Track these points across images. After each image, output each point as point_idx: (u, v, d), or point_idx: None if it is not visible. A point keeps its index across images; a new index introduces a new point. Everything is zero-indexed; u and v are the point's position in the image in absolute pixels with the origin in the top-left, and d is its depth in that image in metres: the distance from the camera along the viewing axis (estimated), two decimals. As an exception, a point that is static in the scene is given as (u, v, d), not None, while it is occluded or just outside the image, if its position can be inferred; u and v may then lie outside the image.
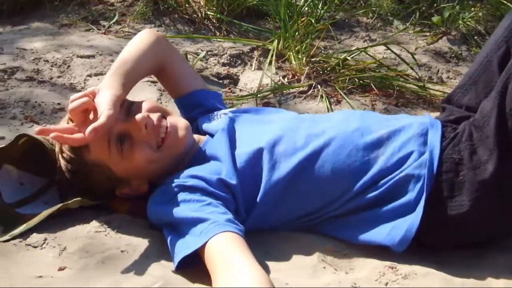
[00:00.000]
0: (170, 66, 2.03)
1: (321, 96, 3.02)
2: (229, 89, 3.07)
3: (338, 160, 1.72)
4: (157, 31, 2.85)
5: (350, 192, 1.71)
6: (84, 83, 2.99)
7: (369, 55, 3.40)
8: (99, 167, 1.73)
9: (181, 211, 1.62)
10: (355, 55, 3.38)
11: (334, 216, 1.73)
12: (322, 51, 3.45)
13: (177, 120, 1.79)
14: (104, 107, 1.62)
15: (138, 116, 1.71)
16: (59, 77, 3.03)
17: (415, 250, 1.69)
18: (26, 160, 1.87)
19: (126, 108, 1.75)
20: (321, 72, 3.24)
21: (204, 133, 1.90)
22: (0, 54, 3.20)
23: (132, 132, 1.71)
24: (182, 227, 1.60)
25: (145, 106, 1.77)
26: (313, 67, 3.23)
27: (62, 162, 1.78)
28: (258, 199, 1.70)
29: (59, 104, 2.75)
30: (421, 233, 1.64)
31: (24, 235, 1.70)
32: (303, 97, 3.05)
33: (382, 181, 1.70)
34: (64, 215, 1.77)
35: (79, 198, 1.76)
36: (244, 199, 1.69)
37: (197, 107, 2.02)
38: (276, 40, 3.35)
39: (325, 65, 3.29)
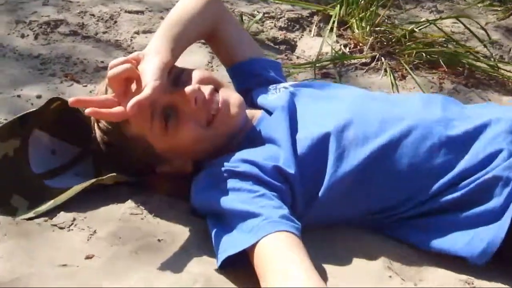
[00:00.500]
0: (223, 30, 1.78)
1: (385, 70, 2.76)
2: (286, 55, 2.82)
3: (417, 155, 1.45)
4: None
5: (426, 192, 1.44)
6: (131, 40, 2.77)
7: (438, 27, 3.11)
8: (138, 142, 1.50)
9: (229, 201, 1.38)
10: (423, 27, 3.09)
11: (405, 218, 1.47)
12: (386, 20, 3.16)
13: (230, 95, 1.54)
14: (150, 76, 1.38)
15: (188, 89, 1.47)
16: (104, 33, 2.81)
17: (496, 264, 1.42)
18: (59, 126, 1.65)
19: (174, 77, 1.51)
20: (385, 43, 2.97)
21: (259, 107, 1.65)
22: (45, 5, 2.99)
23: (179, 106, 1.48)
24: (229, 220, 1.36)
25: (196, 76, 1.53)
26: (377, 37, 2.96)
27: (98, 133, 1.56)
28: (320, 193, 1.45)
29: (102, 62, 2.54)
30: (506, 246, 1.38)
31: (51, 213, 1.48)
32: (365, 70, 2.79)
33: (464, 182, 1.43)
34: (97, 192, 1.55)
35: (114, 174, 1.54)
36: (303, 191, 1.45)
37: (253, 77, 1.76)
38: (338, 6, 3.09)
39: (390, 36, 3.02)
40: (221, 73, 2.46)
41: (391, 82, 2.66)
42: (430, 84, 2.72)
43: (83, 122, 1.60)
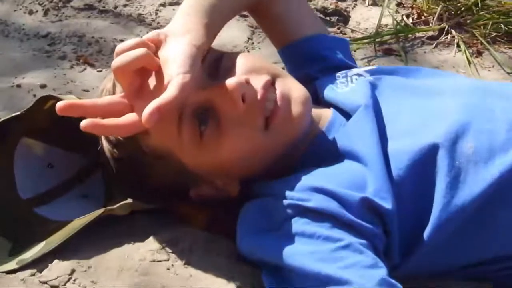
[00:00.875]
0: None
1: (458, 45, 2.29)
2: (338, 28, 2.37)
3: None
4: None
5: None
6: (156, 14, 2.34)
7: (516, -7, 2.62)
8: (163, 157, 1.06)
9: (297, 256, 0.93)
10: (498, -7, 2.60)
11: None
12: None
13: (291, 88, 1.06)
14: (177, 67, 0.93)
15: (231, 82, 1.00)
16: (125, 5, 2.37)
17: None
18: (56, 130, 1.21)
19: (210, 64, 1.05)
20: (453, 12, 2.49)
21: (326, 104, 1.19)
22: (56, -25, 2.55)
23: (219, 106, 1.03)
24: (297, 281, 0.92)
25: (241, 63, 1.06)
26: (444, 6, 2.48)
27: (106, 145, 1.12)
28: (425, 234, 0.97)
29: (121, 41, 2.10)
30: None
31: (41, 262, 1.03)
32: (433, 45, 2.32)
33: None
34: (106, 224, 1.11)
35: (129, 201, 1.11)
36: (402, 233, 0.98)
37: (315, 60, 1.28)
38: (396, -30, 2.61)
39: (458, 4, 2.54)
40: (265, 54, 2.01)
41: (467, 60, 2.19)
42: (512, 61, 2.25)
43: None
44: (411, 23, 2.43)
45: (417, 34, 2.36)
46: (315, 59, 1.29)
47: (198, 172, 1.08)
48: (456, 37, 2.33)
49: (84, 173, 1.26)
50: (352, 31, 2.37)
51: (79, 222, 1.07)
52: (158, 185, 1.11)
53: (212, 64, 1.05)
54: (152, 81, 0.97)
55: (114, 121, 0.92)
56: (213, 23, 1.05)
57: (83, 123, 0.89)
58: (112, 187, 1.19)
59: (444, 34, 2.37)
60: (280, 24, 1.30)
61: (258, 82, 1.03)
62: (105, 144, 1.11)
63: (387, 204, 0.96)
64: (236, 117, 1.02)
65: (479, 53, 2.30)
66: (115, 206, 1.09)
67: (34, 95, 1.75)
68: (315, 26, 1.33)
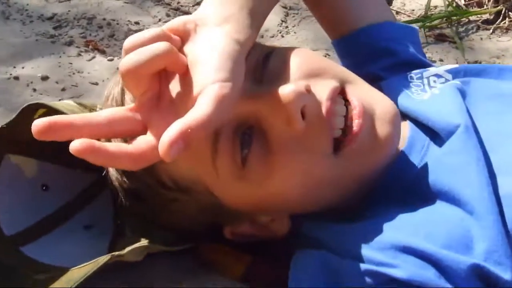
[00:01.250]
0: None
1: (519, 30, 2.00)
2: (381, 11, 2.07)
3: None
4: None
5: None
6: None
7: None
8: (189, 192, 0.78)
9: None
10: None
11: None
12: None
13: (373, 98, 0.77)
14: (213, 71, 0.65)
15: (286, 91, 0.71)
16: (142, -18, 2.10)
17: None
18: (52, 143, 0.93)
19: (256, 64, 0.76)
20: (510, -8, 2.20)
21: (401, 113, 0.84)
22: None
23: (268, 123, 0.74)
24: None
25: (298, 64, 0.76)
26: (499, -16, 2.18)
27: (112, 172, 0.84)
28: None
29: (137, 23, 1.84)
30: None
31: None
32: (491, 30, 2.02)
33: None
34: (113, 267, 0.84)
35: (144, 243, 0.84)
36: None
37: (380, 55, 0.99)
38: None
39: (515, -18, 2.24)
40: (301, 40, 1.73)
41: (532, 48, 1.90)
42: None
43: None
44: (464, 4, 2.14)
45: (471, 18, 2.07)
46: (380, 53, 0.99)
47: (238, 208, 0.80)
48: (516, 20, 2.03)
49: (88, 195, 0.99)
50: (397, 12, 2.08)
51: (78, 273, 0.79)
52: (181, 223, 0.84)
53: (258, 64, 0.76)
54: (175, 89, 0.69)
55: (121, 147, 0.64)
56: (259, 8, 0.75)
57: (73, 146, 0.61)
58: (122, 218, 0.92)
59: (501, 18, 2.07)
60: (336, 8, 1.01)
61: (323, 90, 0.74)
62: (111, 171, 0.84)
63: (504, 273, 0.67)
64: (292, 139, 0.73)
65: (543, 39, 2.00)
66: (125, 251, 0.81)
67: (34, 89, 1.49)
68: (380, 12, 1.04)
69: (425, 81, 0.93)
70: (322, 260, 0.73)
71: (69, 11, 1.87)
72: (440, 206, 0.74)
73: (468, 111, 0.81)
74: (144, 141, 0.64)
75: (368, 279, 0.69)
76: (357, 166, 0.75)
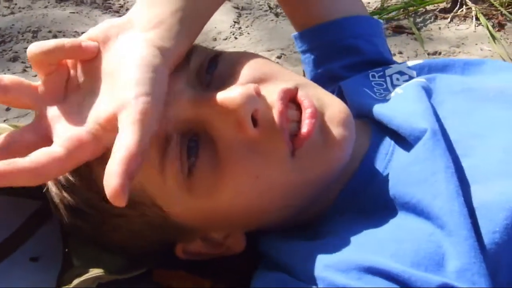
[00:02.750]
0: None
1: (476, 18, 1.96)
2: (337, 5, 2.03)
3: None
4: None
5: None
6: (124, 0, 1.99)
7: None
8: (136, 207, 0.71)
9: None
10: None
11: None
12: None
13: (324, 100, 0.71)
14: (133, 84, 0.58)
15: (234, 94, 0.65)
16: (87, -10, 2.03)
17: None
18: None
19: (201, 67, 0.70)
20: (465, -22, 2.17)
21: (361, 116, 0.81)
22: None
23: (217, 129, 0.67)
24: None
25: (247, 67, 0.70)
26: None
27: (52, 188, 0.77)
28: None
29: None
30: None
31: None
32: (448, 19, 1.99)
33: None
34: None
35: (93, 273, 0.77)
36: None
37: (343, 53, 0.94)
38: None
39: (471, -30, 2.23)
40: (255, 41, 1.68)
41: (491, 35, 1.86)
42: (540, 33, 1.93)
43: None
44: (420, -6, 2.11)
45: (428, 7, 2.03)
46: (345, 50, 0.94)
47: (187, 223, 0.74)
48: (472, 8, 2.00)
49: (34, 223, 0.92)
50: (353, 7, 2.05)
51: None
52: (130, 243, 0.77)
53: (204, 68, 0.70)
54: (84, 90, 0.63)
55: (16, 164, 0.57)
56: (195, 13, 0.69)
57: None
58: (69, 246, 0.85)
59: (458, 6, 2.04)
60: (305, 2, 0.95)
61: (274, 91, 0.68)
62: (50, 186, 0.77)
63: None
64: (243, 145, 0.67)
65: (501, 26, 1.98)
66: (72, 284, 0.75)
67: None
68: (350, 5, 0.98)
69: (388, 79, 0.87)
70: (279, 284, 0.67)
71: (13, 25, 1.80)
72: (407, 220, 0.67)
73: (435, 112, 0.75)
74: (44, 153, 0.58)
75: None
76: (311, 169, 0.69)
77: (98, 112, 0.60)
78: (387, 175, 0.71)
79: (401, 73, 0.87)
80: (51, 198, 0.79)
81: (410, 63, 0.90)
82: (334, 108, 0.70)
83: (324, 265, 0.64)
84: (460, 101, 0.78)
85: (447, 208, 0.63)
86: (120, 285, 0.79)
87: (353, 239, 0.67)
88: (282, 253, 0.70)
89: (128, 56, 0.61)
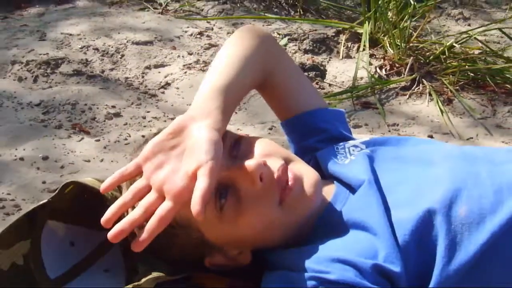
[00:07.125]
0: (280, 74, 1.40)
1: (430, 94, 2.42)
2: (317, 83, 2.49)
3: None
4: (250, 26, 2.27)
5: None
6: (142, 77, 2.44)
7: (479, 40, 2.78)
8: (184, 228, 1.16)
9: None
10: (463, 41, 2.76)
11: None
12: (420, 35, 2.82)
13: (304, 171, 1.19)
14: (204, 153, 1.04)
15: (251, 163, 1.12)
16: (111, 69, 2.48)
17: None
18: (75, 211, 1.30)
19: (230, 146, 1.17)
20: (422, 61, 2.64)
21: (329, 176, 1.29)
22: (42, 41, 2.65)
23: (239, 184, 1.14)
24: None
25: (259, 147, 1.19)
26: (413, 56, 2.63)
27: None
28: None
29: (113, 107, 2.20)
30: None
31: None
32: (407, 95, 2.45)
33: None
34: None
35: (154, 274, 1.19)
36: None
37: (316, 133, 1.40)
38: (367, 22, 2.75)
39: (427, 54, 2.69)
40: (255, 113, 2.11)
41: (440, 109, 2.32)
42: (481, 108, 2.39)
43: (105, 199, 1.25)
44: (385, 74, 2.57)
45: (391, 85, 2.49)
46: (316, 132, 1.39)
47: (216, 242, 1.18)
48: (427, 86, 2.46)
49: (103, 248, 1.34)
50: (330, 85, 2.49)
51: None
52: (178, 255, 1.20)
53: (232, 146, 1.17)
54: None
55: (151, 225, 1.03)
56: (229, 107, 1.17)
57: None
58: (133, 259, 1.27)
59: (416, 84, 2.50)
60: (283, 99, 1.41)
61: (274, 164, 1.15)
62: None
63: (396, 268, 1.08)
64: (254, 194, 1.13)
65: (449, 101, 2.43)
66: (142, 281, 1.17)
67: (38, 168, 1.82)
68: (315, 99, 1.44)
69: (347, 150, 1.32)
70: (281, 275, 1.13)
71: (54, 98, 2.22)
72: (355, 232, 1.14)
73: (373, 170, 1.21)
74: (164, 208, 1.02)
75: (313, 282, 1.08)
76: (294, 214, 1.16)
77: (187, 167, 1.04)
78: (344, 209, 1.19)
79: (355, 146, 1.32)
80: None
81: (362, 139, 1.36)
82: (309, 175, 1.18)
83: (308, 260, 1.10)
84: (391, 164, 1.24)
85: (378, 223, 1.11)
86: (171, 285, 1.22)
87: (325, 245, 1.13)
88: (281, 257, 1.17)
89: (199, 136, 1.07)
